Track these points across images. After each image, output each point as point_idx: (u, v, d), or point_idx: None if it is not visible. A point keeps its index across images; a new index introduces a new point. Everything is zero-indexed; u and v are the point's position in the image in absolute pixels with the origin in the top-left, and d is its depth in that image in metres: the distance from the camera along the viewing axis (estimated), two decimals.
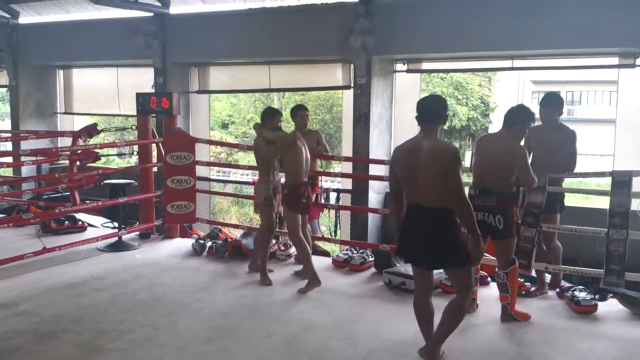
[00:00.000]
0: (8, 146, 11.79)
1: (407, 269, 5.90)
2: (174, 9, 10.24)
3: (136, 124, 7.89)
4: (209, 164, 8.58)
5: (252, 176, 16.60)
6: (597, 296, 5.33)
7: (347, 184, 9.36)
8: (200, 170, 8.31)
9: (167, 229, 7.78)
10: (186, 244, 7.41)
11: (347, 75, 9.33)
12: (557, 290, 5.58)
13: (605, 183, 9.18)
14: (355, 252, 6.66)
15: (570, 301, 5.23)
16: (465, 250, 3.84)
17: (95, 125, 8.44)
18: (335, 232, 8.26)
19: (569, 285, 5.60)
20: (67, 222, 7.91)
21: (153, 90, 10.14)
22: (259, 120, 6.12)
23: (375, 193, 8.97)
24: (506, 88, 27.54)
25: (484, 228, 4.29)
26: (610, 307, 5.21)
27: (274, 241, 6.99)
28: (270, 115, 5.96)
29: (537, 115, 5.64)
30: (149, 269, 6.39)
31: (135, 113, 7.91)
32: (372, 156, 8.64)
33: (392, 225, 4.26)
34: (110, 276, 6.12)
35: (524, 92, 28.10)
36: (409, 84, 9.52)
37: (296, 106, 6.84)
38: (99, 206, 7.28)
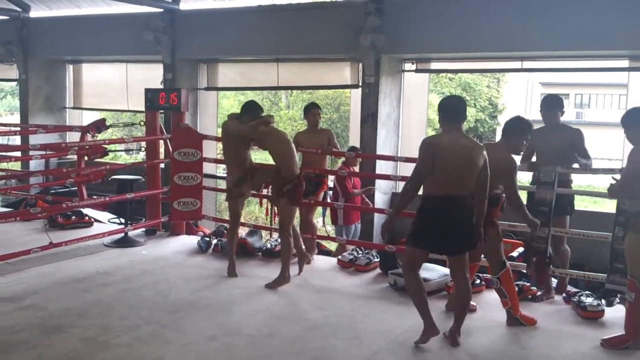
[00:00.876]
0: (17, 140, 11.87)
1: None
2: (184, 5, 10.25)
3: (144, 120, 7.90)
4: (216, 161, 8.57)
5: None
6: (603, 301, 5.30)
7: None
8: (207, 167, 8.31)
9: (173, 226, 7.79)
10: (192, 241, 7.41)
11: (356, 74, 9.32)
12: (564, 295, 5.55)
13: None
14: (360, 252, 6.64)
15: (577, 306, 5.19)
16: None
17: (103, 120, 8.45)
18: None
19: (576, 290, 5.57)
20: (74, 217, 7.93)
21: (162, 87, 10.15)
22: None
23: (382, 193, 8.96)
24: (515, 90, 27.47)
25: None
26: (617, 312, 5.16)
27: (275, 241, 6.93)
28: (252, 110, 5.96)
29: (540, 118, 5.65)
30: (154, 266, 6.40)
31: (143, 109, 7.92)
32: None
33: (396, 211, 4.69)
34: (116, 272, 6.13)
35: (532, 94, 28.01)
36: (417, 84, 9.51)
37: (310, 104, 7.02)
38: (106, 202, 7.28)
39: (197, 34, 10.11)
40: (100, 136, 8.48)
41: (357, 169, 8.27)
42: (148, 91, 7.80)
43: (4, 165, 8.77)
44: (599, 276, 5.38)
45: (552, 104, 5.61)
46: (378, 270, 6.34)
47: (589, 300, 5.19)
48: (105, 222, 8.57)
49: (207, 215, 7.95)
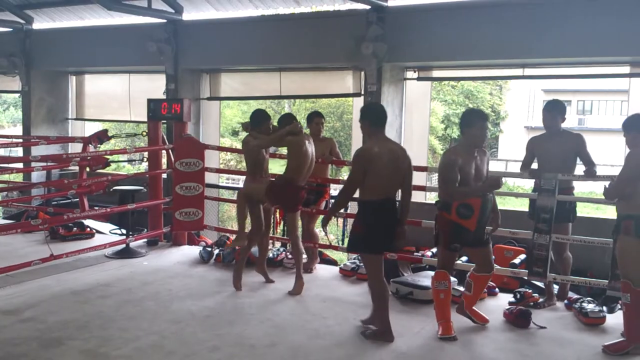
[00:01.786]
0: (19, 151, 11.89)
1: (415, 278, 5.88)
2: (187, 16, 10.27)
3: (147, 130, 7.91)
4: (218, 170, 8.58)
5: None
6: (605, 308, 5.27)
7: (356, 192, 9.32)
8: (210, 177, 8.31)
9: (175, 236, 7.78)
10: (194, 251, 7.40)
11: (358, 82, 9.32)
12: (566, 301, 5.53)
13: None
14: None
15: (579, 313, 5.18)
16: None
17: (105, 131, 8.46)
18: (343, 240, 8.22)
19: (578, 296, 5.54)
20: (75, 228, 7.93)
21: (164, 97, 10.17)
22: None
23: None
24: (517, 97, 27.48)
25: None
26: (618, 319, 5.12)
27: (282, 249, 7.00)
28: (261, 119, 6.04)
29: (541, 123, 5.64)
30: (155, 276, 6.39)
31: (146, 119, 7.93)
32: None
33: (333, 213, 5.22)
34: (117, 283, 6.12)
35: (535, 101, 28.01)
36: (420, 92, 9.49)
37: (312, 112, 7.04)
38: (108, 212, 7.28)
39: (200, 44, 10.13)
40: (103, 147, 8.48)
41: None
42: (150, 101, 7.82)
43: (6, 177, 8.78)
44: (600, 282, 5.35)
45: (552, 106, 5.60)
46: None
47: (590, 306, 5.18)
48: (106, 233, 8.57)
49: (209, 225, 7.95)
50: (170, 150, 7.74)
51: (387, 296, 4.75)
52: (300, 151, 5.73)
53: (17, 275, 6.05)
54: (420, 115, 9.68)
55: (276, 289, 5.99)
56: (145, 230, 8.03)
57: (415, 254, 6.81)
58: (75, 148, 11.25)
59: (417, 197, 8.93)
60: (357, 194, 4.79)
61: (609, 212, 8.67)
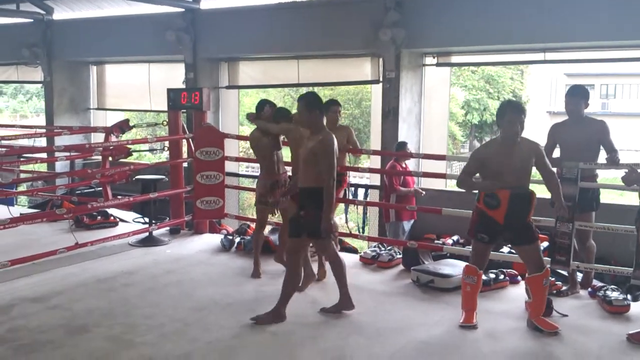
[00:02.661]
0: (43, 141, 12.05)
1: (436, 266, 5.87)
2: (204, 4, 10.31)
3: (167, 120, 7.96)
4: (237, 159, 8.62)
5: None
6: (629, 296, 5.22)
7: (376, 179, 9.32)
8: (229, 166, 8.36)
9: (196, 225, 7.85)
10: (215, 239, 7.46)
11: (376, 69, 9.29)
12: (590, 289, 5.48)
13: None
14: (383, 249, 6.63)
15: (603, 301, 5.13)
16: None
17: (127, 121, 8.51)
18: (363, 228, 8.24)
19: (601, 284, 5.50)
20: (99, 217, 8.02)
21: (184, 86, 10.22)
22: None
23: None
24: (539, 81, 27.12)
25: None
26: None
27: None
28: (262, 103, 6.01)
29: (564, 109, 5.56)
30: (178, 264, 6.45)
31: (166, 109, 7.98)
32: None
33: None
34: (140, 271, 6.20)
35: (557, 86, 27.64)
36: (439, 78, 9.44)
37: (329, 100, 6.87)
38: (131, 201, 7.35)
39: (218, 33, 10.16)
40: (124, 137, 8.56)
41: (410, 165, 8.38)
42: (170, 91, 7.86)
43: (31, 167, 8.90)
44: (624, 270, 5.30)
45: (576, 91, 5.46)
46: (401, 267, 6.31)
47: (614, 294, 5.12)
48: (130, 221, 8.66)
49: (230, 213, 8.00)
50: (190, 140, 7.79)
51: (343, 269, 5.00)
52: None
53: (43, 264, 6.14)
54: (439, 101, 9.63)
55: None
56: (168, 218, 8.11)
57: (436, 241, 6.80)
58: (98, 138, 11.39)
59: (437, 184, 8.97)
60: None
61: (634, 199, 8.57)
